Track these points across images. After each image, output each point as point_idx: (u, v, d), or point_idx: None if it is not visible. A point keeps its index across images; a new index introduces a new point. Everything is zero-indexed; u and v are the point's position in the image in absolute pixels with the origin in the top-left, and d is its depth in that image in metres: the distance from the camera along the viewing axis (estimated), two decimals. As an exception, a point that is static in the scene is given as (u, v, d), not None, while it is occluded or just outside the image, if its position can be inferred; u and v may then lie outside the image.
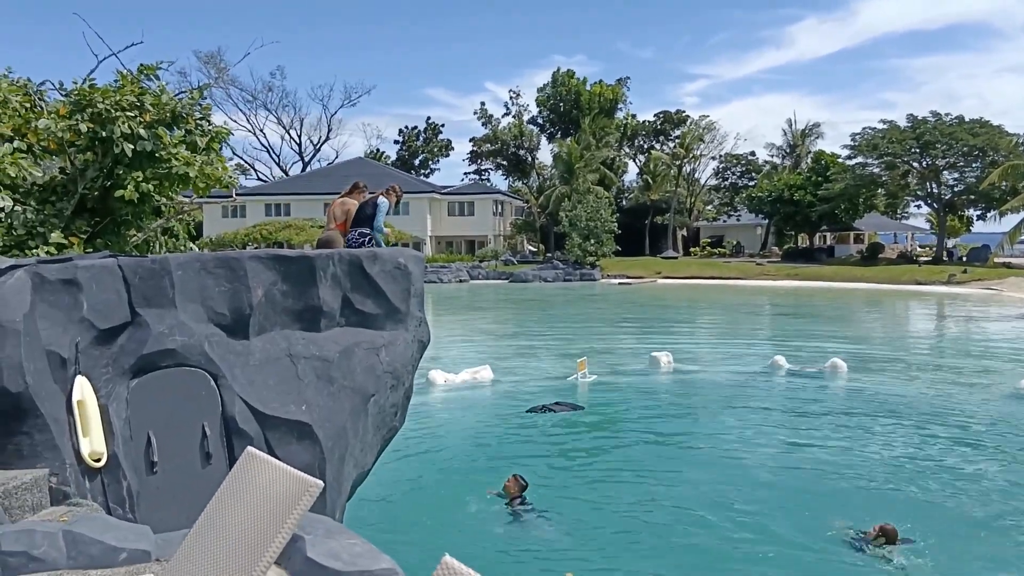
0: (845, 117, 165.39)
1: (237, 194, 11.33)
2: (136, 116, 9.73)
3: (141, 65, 10.78)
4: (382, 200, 9.75)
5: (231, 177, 10.57)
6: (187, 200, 11.27)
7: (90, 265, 6.82)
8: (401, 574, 4.06)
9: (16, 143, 9.27)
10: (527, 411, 16.21)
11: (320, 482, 2.98)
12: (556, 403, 16.47)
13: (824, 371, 20.29)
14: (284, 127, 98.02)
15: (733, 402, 16.98)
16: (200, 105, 10.57)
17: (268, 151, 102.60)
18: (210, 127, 10.62)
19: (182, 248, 11.34)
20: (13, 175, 8.54)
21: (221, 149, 10.75)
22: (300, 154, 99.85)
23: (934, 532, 9.44)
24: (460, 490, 11.32)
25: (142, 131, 9.69)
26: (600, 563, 8.98)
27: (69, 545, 4.27)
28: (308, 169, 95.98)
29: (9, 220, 9.54)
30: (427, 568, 7.63)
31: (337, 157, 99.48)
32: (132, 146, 9.59)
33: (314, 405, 7.26)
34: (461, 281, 63.73)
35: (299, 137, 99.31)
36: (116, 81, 10.37)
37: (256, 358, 7.32)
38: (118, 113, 9.53)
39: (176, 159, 9.75)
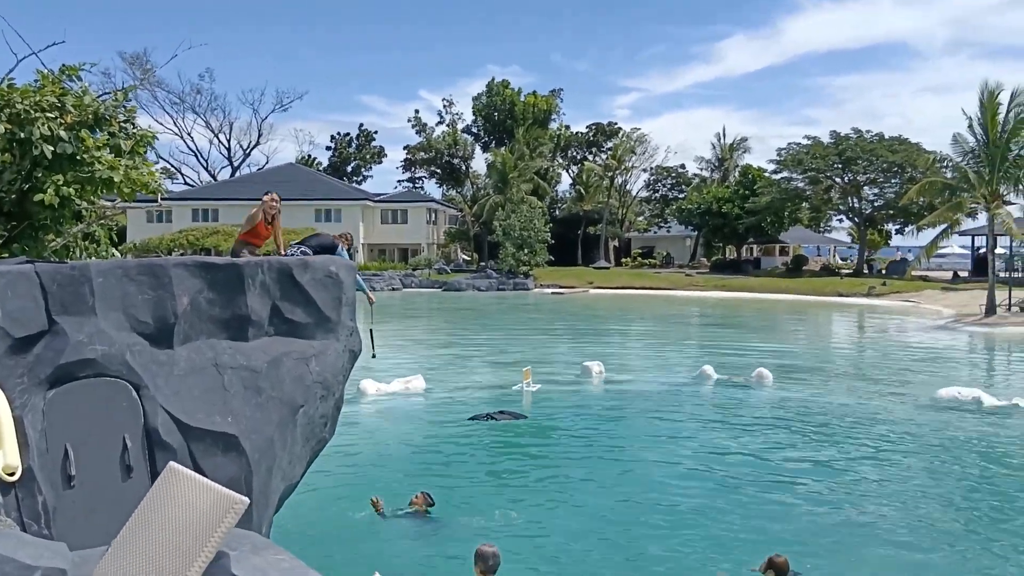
0: (772, 132, 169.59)
1: (163, 199, 11.02)
2: (57, 117, 9.40)
3: (63, 65, 10.45)
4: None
5: (157, 182, 10.29)
6: (109, 204, 10.93)
7: (5, 271, 6.55)
8: (329, 590, 3.98)
9: (-73, 143, 8.89)
10: (469, 419, 16.23)
11: (245, 499, 2.91)
12: (499, 411, 16.49)
13: (750, 381, 20.70)
14: (213, 131, 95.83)
15: (661, 412, 17.21)
16: (124, 107, 10.28)
17: (196, 155, 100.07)
18: (135, 130, 10.33)
19: (104, 254, 10.99)
20: (-76, 177, 8.18)
21: (147, 153, 10.47)
22: (229, 159, 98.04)
23: (832, 553, 9.53)
24: (390, 501, 11.19)
25: (63, 133, 9.37)
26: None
27: (-21, 564, 4.07)
28: (237, 174, 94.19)
29: (-82, 223, 9.14)
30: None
31: (268, 162, 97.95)
32: (52, 148, 9.27)
33: (241, 416, 7.09)
34: (394, 289, 63.31)
35: (228, 141, 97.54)
36: (36, 81, 10.02)
37: (181, 368, 7.12)
38: (37, 114, 9.20)
39: (100, 163, 9.45)
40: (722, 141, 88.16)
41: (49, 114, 9.33)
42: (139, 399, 6.77)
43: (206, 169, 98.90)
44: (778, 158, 70.84)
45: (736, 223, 71.39)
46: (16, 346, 6.45)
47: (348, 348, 8.35)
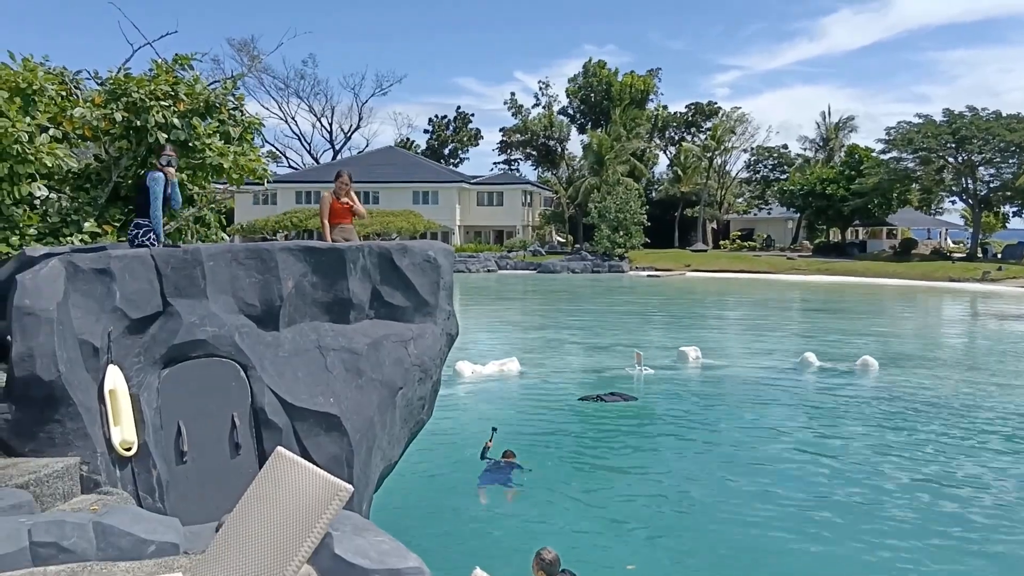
0: (880, 110, 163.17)
1: (268, 182, 11.33)
2: (170, 105, 9.77)
3: (176, 55, 10.81)
4: (153, 176, 7.96)
5: (264, 168, 10.59)
6: (220, 189, 11.30)
7: (123, 255, 6.87)
8: (428, 573, 4.03)
9: (52, 131, 9.34)
10: (579, 399, 16.45)
11: (350, 487, 2.96)
12: (610, 393, 16.55)
13: (855, 369, 20.03)
14: (315, 115, 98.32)
15: (761, 400, 16.83)
16: (233, 95, 10.59)
17: (299, 139, 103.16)
18: (243, 117, 10.64)
19: (214, 237, 11.38)
20: (50, 165, 8.61)
21: (254, 139, 10.78)
22: (331, 142, 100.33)
23: (936, 553, 9.18)
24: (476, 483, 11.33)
25: (176, 120, 9.73)
26: (611, 554, 8.94)
27: (99, 536, 4.29)
28: (339, 157, 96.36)
29: (44, 208, 9.64)
30: (450, 564, 7.62)
31: (367, 145, 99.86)
32: (166, 135, 9.63)
33: (342, 397, 7.27)
34: (489, 271, 63.75)
35: (330, 125, 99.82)
36: (151, 70, 10.41)
37: (286, 349, 7.35)
38: (152, 102, 9.58)
39: (210, 150, 9.78)
40: (827, 120, 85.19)
41: (163, 102, 9.69)
42: (247, 379, 7.02)
43: (309, 152, 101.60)
44: (887, 137, 67.91)
45: (841, 205, 68.97)
46: (133, 327, 6.76)
47: (445, 331, 8.45)
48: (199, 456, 6.70)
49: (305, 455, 7.07)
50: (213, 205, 11.30)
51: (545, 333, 28.72)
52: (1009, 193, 64.46)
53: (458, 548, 8.98)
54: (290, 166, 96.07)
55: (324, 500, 2.84)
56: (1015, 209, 69.22)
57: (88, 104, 9.56)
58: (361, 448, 7.23)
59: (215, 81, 10.75)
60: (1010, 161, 62.59)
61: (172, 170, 8.16)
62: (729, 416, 15.45)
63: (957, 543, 9.33)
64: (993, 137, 61.07)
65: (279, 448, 3.11)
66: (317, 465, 7.07)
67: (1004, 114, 63.44)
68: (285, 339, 7.40)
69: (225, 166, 9.77)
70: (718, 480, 11.56)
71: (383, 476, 7.95)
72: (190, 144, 9.97)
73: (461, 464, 12.15)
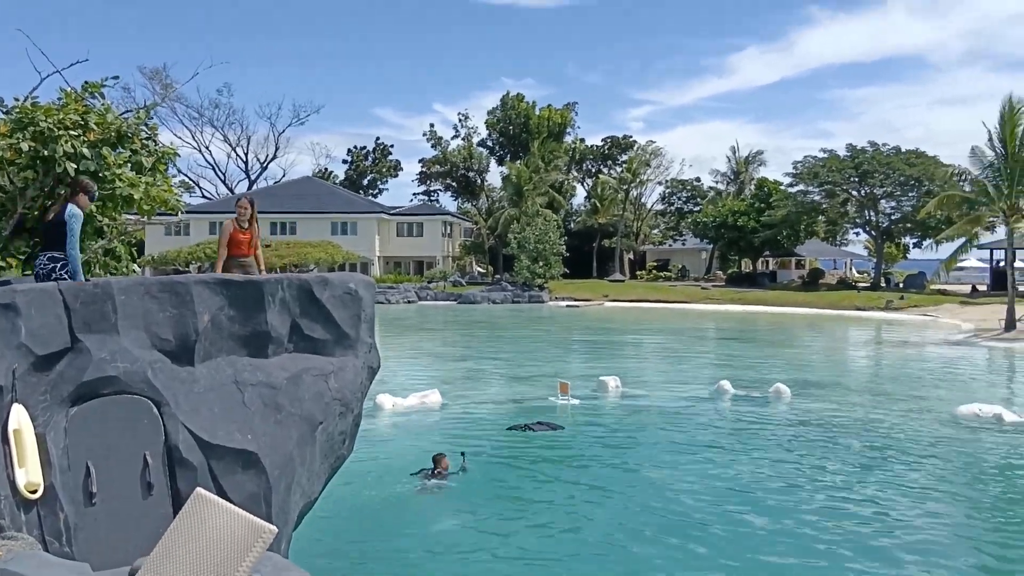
0: (787, 145, 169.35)
1: (181, 212, 11.09)
2: (80, 135, 9.48)
3: (85, 83, 10.52)
4: (73, 212, 7.85)
5: (177, 199, 10.35)
6: (131, 220, 10.99)
7: (28, 289, 6.62)
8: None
9: (-50, 161, 8.98)
10: (508, 428, 16.47)
11: (274, 528, 2.90)
12: (537, 422, 16.58)
13: (768, 396, 20.57)
14: (231, 144, 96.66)
15: (679, 427, 17.09)
16: (147, 125, 10.35)
17: (214, 168, 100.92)
18: (157, 147, 10.40)
19: (124, 270, 11.05)
20: (-54, 195, 8.25)
21: (167, 170, 10.54)
22: (247, 172, 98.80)
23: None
24: (406, 517, 11.20)
25: (85, 151, 9.44)
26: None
27: (3, 585, 4.09)
28: (255, 187, 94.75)
29: (-55, 240, 9.23)
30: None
31: (284, 175, 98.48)
32: (75, 165, 9.34)
33: (260, 433, 7.12)
34: (409, 302, 63.39)
35: (246, 155, 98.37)
36: (59, 99, 10.11)
37: (201, 385, 7.16)
38: (61, 132, 9.28)
39: (120, 180, 9.52)
40: (737, 154, 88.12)
41: (72, 132, 9.40)
42: (160, 416, 6.80)
43: (223, 183, 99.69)
44: (794, 171, 70.61)
45: (752, 236, 71.17)
46: (39, 364, 6.50)
47: (367, 364, 8.37)
48: (109, 497, 6.45)
49: (221, 493, 6.87)
50: (124, 237, 10.98)
51: (467, 364, 28.67)
52: (909, 225, 67.49)
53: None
54: (204, 196, 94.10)
55: (247, 542, 2.78)
56: (915, 240, 72.43)
57: (-8, 133, 9.21)
58: (280, 485, 7.08)
59: (128, 111, 10.50)
60: (909, 194, 65.65)
61: (86, 200, 8.00)
62: (650, 444, 15.65)
63: (863, 559, 9.63)
64: (893, 171, 64.08)
65: (198, 489, 3.04)
66: (234, 503, 6.91)
67: (904, 149, 66.75)
68: (200, 374, 7.21)
69: (136, 197, 9.52)
70: (643, 508, 11.64)
71: (303, 513, 7.79)
72: (100, 175, 9.69)
73: (384, 500, 11.99)
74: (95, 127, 9.69)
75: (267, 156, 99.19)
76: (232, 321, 7.55)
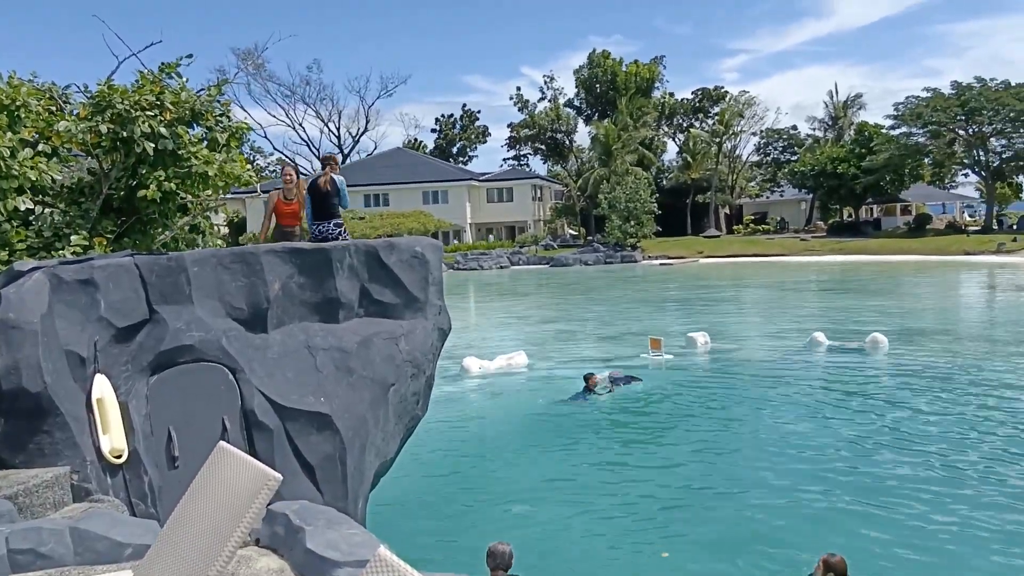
0: (893, 87, 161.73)
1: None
2: (156, 115, 9.82)
3: (162, 64, 10.86)
4: (339, 178, 9.13)
5: (250, 174, 10.62)
6: (211, 196, 11.34)
7: (106, 264, 6.91)
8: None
9: (41, 147, 9.42)
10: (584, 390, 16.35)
11: (279, 476, 2.97)
12: (615, 379, 16.50)
13: (864, 347, 19.87)
14: (323, 120, 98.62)
15: (767, 382, 16.70)
16: (219, 102, 10.63)
17: (308, 144, 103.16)
18: (230, 123, 10.68)
19: (209, 245, 11.43)
20: (33, 179, 8.68)
21: (241, 146, 10.82)
22: (339, 146, 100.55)
23: (945, 537, 8.98)
24: (489, 480, 11.29)
25: (163, 130, 9.78)
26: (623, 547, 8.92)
27: (76, 542, 4.33)
28: (347, 161, 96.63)
29: (37, 223, 9.72)
30: (450, 561, 7.56)
31: (376, 148, 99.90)
32: (153, 145, 9.69)
33: (333, 396, 7.30)
34: (502, 268, 63.74)
35: (338, 129, 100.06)
36: (137, 81, 10.47)
37: (274, 351, 7.38)
38: (138, 113, 9.63)
39: (196, 158, 9.83)
40: (835, 99, 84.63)
41: (148, 112, 9.73)
42: (236, 382, 7.05)
43: (318, 157, 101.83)
44: (895, 113, 67.42)
45: (853, 183, 68.48)
46: (119, 335, 6.81)
47: (437, 326, 8.45)
48: (190, 461, 6.72)
49: (298, 455, 7.12)
50: (207, 212, 11.35)
51: (556, 325, 28.69)
52: (1022, 163, 63.75)
53: (453, 548, 8.89)
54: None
55: (254, 490, 2.85)
56: (1030, 179, 68.54)
57: (73, 118, 9.62)
58: (354, 446, 7.25)
59: (201, 89, 10.79)
60: (1021, 131, 61.87)
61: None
62: (738, 400, 15.34)
63: (965, 520, 9.24)
64: (1003, 107, 60.42)
65: (220, 443, 3.14)
66: (311, 465, 7.11)
67: (1013, 83, 62.75)
68: (274, 341, 7.43)
69: (211, 173, 9.82)
70: (734, 465, 11.46)
71: (379, 474, 7.97)
72: (179, 152, 10.03)
73: (464, 460, 12.15)
74: (171, 106, 10.02)
75: (358, 130, 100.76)
76: (302, 288, 7.74)
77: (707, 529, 9.24)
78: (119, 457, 6.30)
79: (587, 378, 15.78)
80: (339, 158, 9.94)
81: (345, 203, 9.00)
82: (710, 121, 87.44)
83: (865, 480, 10.57)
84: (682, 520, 9.58)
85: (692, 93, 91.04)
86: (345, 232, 9.02)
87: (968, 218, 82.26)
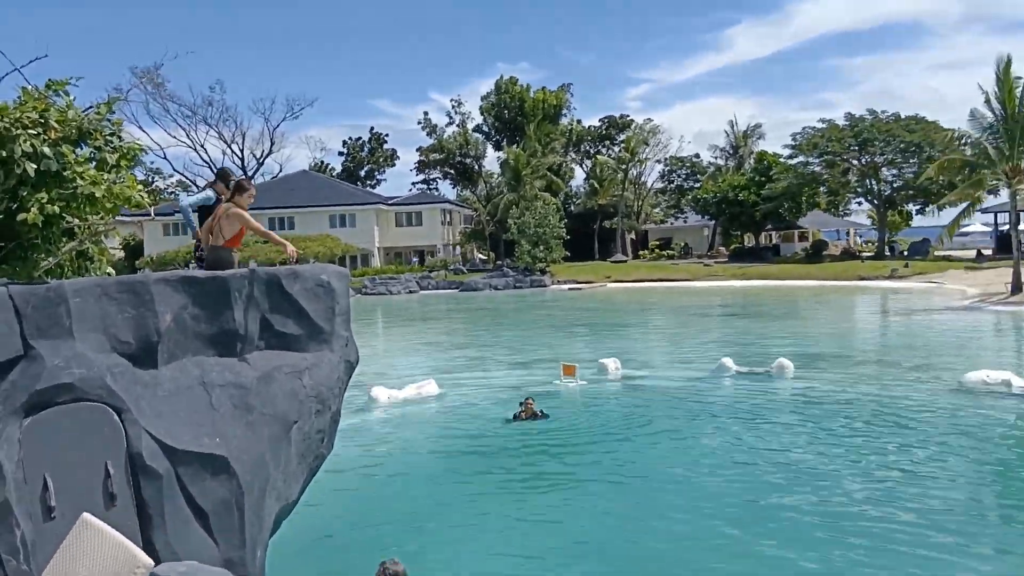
0: (786, 117, 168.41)
1: (149, 210, 10.72)
2: (40, 133, 9.11)
3: (49, 80, 10.14)
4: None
5: (141, 195, 9.97)
6: (101, 220, 10.60)
7: (-26, 296, 6.29)
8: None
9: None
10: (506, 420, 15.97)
11: (150, 561, 2.58)
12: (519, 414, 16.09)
13: (771, 372, 20.21)
14: (226, 141, 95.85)
15: (678, 408, 16.77)
16: (109, 120, 9.97)
17: (210, 166, 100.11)
18: (121, 143, 10.03)
19: (99, 272, 10.70)
20: None
21: (133, 166, 10.16)
22: (243, 168, 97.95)
23: (860, 551, 9.10)
24: (397, 516, 10.84)
25: (46, 149, 9.06)
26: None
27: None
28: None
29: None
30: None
31: (281, 171, 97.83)
32: (35, 166, 8.98)
33: (230, 436, 6.80)
34: (411, 292, 63.09)
35: (242, 151, 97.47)
36: (19, 98, 9.75)
37: (165, 388, 6.84)
38: (19, 131, 8.92)
39: (82, 178, 9.16)
40: (735, 128, 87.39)
41: (31, 131, 9.03)
42: (122, 423, 6.48)
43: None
44: (793, 143, 70.00)
45: (753, 210, 70.64)
46: (-11, 373, 6.18)
47: (344, 359, 8.03)
48: (69, 511, 6.10)
49: (190, 502, 6.58)
50: (95, 237, 10.61)
51: (467, 352, 28.36)
52: (912, 192, 66.95)
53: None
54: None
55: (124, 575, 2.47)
56: (918, 207, 71.82)
57: (-57, 135, 8.85)
58: (253, 490, 6.76)
59: (89, 107, 10.12)
60: (911, 161, 65.01)
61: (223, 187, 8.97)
62: (652, 428, 15.31)
63: (875, 538, 9.31)
64: (894, 138, 63.43)
65: (84, 515, 2.72)
66: (205, 511, 6.57)
67: (903, 115, 65.97)
68: (164, 377, 6.89)
69: (98, 195, 9.16)
70: (646, 492, 11.35)
71: (280, 518, 7.47)
72: (64, 173, 9.34)
73: (372, 496, 11.67)
74: (56, 125, 9.33)
75: (263, 151, 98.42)
76: (197, 320, 7.22)
77: (630, 568, 9.02)
78: (-14, 510, 5.67)
79: (524, 403, 15.76)
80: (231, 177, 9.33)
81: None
82: (616, 148, 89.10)
83: (778, 505, 10.57)
84: (604, 557, 9.33)
85: (599, 120, 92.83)
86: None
87: (861, 244, 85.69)
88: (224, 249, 8.47)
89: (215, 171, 9.05)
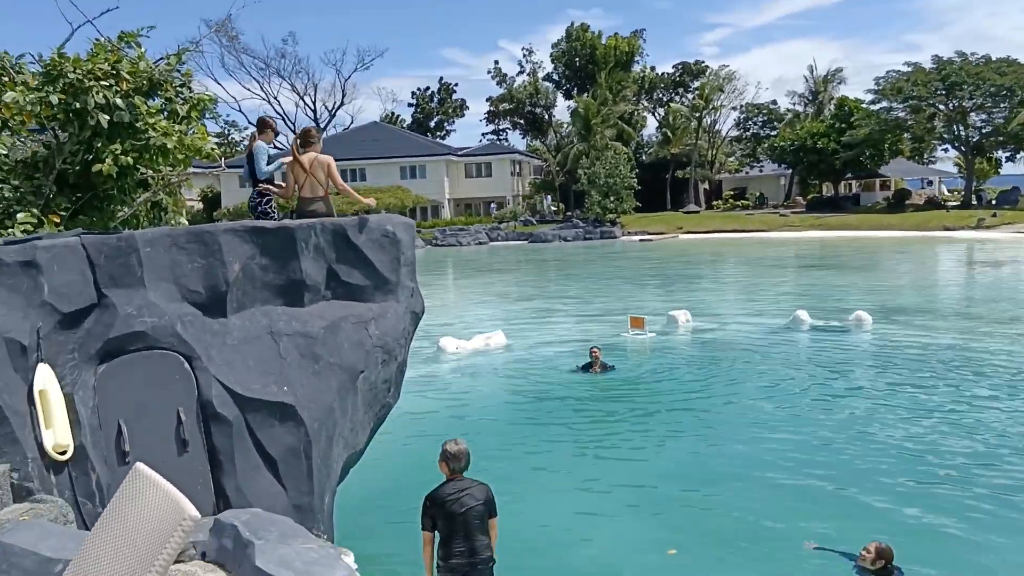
0: (871, 61, 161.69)
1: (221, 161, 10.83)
2: (112, 85, 9.25)
3: (121, 32, 10.26)
4: (258, 145, 8.73)
5: (213, 147, 10.07)
6: (173, 171, 10.77)
7: (51, 245, 6.41)
8: (359, 582, 3.64)
9: (-11, 119, 8.86)
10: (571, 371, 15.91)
11: (197, 514, 2.56)
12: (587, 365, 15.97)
13: (848, 324, 19.63)
14: (298, 94, 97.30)
15: (749, 361, 16.41)
16: (180, 71, 10.06)
17: (283, 118, 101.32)
18: (191, 95, 10.12)
19: (172, 222, 10.90)
20: (-25, 152, 8.13)
21: (203, 117, 10.26)
22: (315, 120, 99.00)
23: (933, 512, 8.75)
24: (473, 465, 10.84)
25: (119, 101, 9.22)
26: (611, 536, 8.57)
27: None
28: (324, 135, 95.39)
29: (-13, 200, 9.17)
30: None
31: (352, 122, 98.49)
32: (108, 117, 9.13)
33: (298, 385, 6.86)
34: (480, 244, 63.19)
35: (314, 103, 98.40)
36: (91, 49, 9.88)
37: (234, 337, 6.92)
38: (91, 83, 9.06)
39: (154, 130, 9.28)
40: (815, 73, 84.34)
41: (103, 82, 9.16)
42: (192, 371, 6.59)
43: (293, 131, 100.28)
44: (876, 87, 67.19)
45: (832, 158, 68.37)
46: (65, 322, 6.33)
47: (409, 309, 8.00)
48: (143, 456, 6.23)
49: (259, 448, 6.69)
50: (168, 188, 10.81)
51: (535, 303, 28.29)
52: (1001, 138, 63.92)
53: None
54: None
55: (167, 530, 2.45)
56: (1008, 154, 68.64)
57: (21, 88, 9.04)
58: (320, 437, 6.83)
59: (160, 58, 10.21)
60: (1001, 106, 61.97)
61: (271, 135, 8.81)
62: (724, 382, 14.99)
63: (956, 495, 8.99)
64: (983, 82, 60.40)
65: (138, 464, 2.72)
66: (273, 458, 6.65)
67: (994, 58, 62.69)
68: (233, 326, 6.97)
69: (169, 146, 9.28)
70: (728, 452, 11.03)
71: (348, 466, 7.56)
72: (137, 125, 9.48)
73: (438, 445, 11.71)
74: (127, 76, 9.45)
75: (335, 103, 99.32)
76: (265, 270, 7.26)
77: (709, 522, 8.77)
78: (64, 453, 5.85)
79: (592, 352, 15.64)
80: (275, 123, 9.32)
81: (260, 172, 8.49)
82: (690, 96, 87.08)
83: (864, 463, 10.26)
84: (680, 511, 9.15)
85: (672, 67, 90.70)
86: (267, 203, 8.61)
87: (947, 192, 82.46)
88: (326, 199, 8.51)
89: (254, 123, 9.04)
